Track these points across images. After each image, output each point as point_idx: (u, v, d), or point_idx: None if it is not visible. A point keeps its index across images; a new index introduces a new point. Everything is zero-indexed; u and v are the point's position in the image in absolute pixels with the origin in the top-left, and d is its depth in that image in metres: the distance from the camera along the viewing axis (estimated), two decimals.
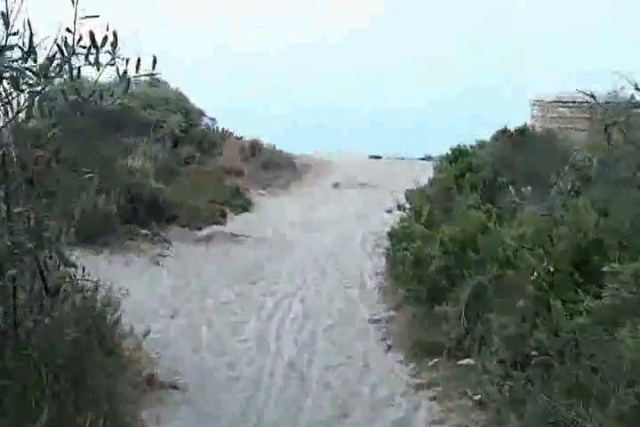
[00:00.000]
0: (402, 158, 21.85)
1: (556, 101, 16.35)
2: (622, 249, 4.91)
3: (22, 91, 3.61)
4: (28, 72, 3.57)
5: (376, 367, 6.21)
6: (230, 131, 18.75)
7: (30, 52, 3.57)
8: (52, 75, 3.61)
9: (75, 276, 5.43)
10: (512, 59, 32.88)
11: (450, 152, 10.45)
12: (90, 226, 9.11)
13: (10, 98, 3.71)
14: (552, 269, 5.18)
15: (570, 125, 15.40)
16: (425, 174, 12.43)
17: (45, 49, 3.64)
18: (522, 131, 10.28)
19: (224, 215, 12.22)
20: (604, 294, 4.53)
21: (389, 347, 6.66)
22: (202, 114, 17.67)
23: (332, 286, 8.87)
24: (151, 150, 13.77)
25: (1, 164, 3.78)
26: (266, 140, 18.11)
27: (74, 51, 3.64)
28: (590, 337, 4.43)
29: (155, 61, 4.00)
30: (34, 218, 3.87)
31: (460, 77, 33.50)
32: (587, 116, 16.20)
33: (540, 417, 4.35)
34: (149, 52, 4.00)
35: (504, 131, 12.44)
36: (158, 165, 13.23)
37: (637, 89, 6.02)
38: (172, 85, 17.36)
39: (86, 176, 4.81)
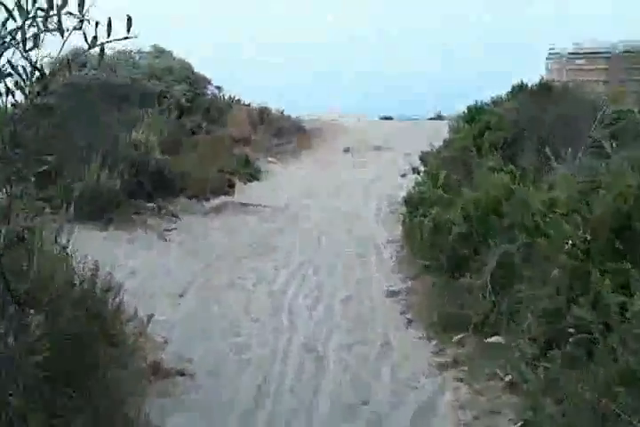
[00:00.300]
0: (415, 119, 21.19)
1: (573, 53, 15.63)
2: None
3: None
4: None
5: (396, 345, 5.70)
6: (238, 98, 18.10)
7: None
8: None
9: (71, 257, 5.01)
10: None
11: (466, 111, 9.78)
12: (93, 202, 8.66)
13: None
14: (589, 238, 4.61)
15: (588, 78, 14.65)
16: (439, 135, 11.82)
17: None
18: (545, 84, 9.57)
19: (232, 185, 11.69)
20: None
21: (410, 321, 6.15)
22: (208, 82, 17.01)
23: (347, 255, 8.35)
24: (156, 122, 13.21)
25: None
26: (274, 106, 17.43)
27: (28, 14, 3.04)
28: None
29: (129, 23, 3.29)
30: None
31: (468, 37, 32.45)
32: (605, 66, 15.51)
33: (581, 405, 3.84)
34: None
35: (521, 86, 11.76)
36: (164, 137, 12.68)
37: None
38: (177, 55, 16.69)
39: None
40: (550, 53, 15.95)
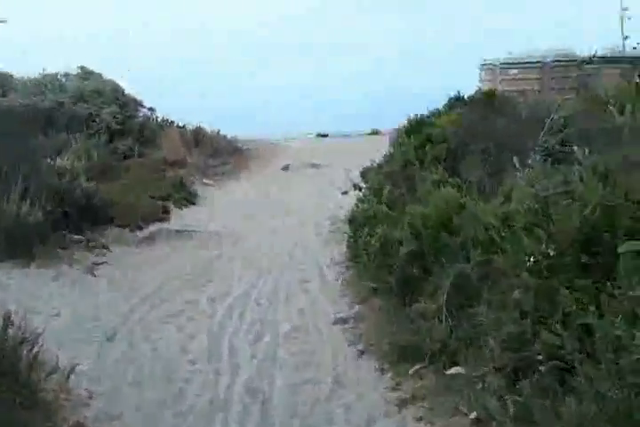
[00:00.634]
0: (348, 135, 20.87)
1: (505, 63, 15.45)
2: (637, 222, 3.89)
3: None
4: None
5: (348, 381, 5.12)
6: (171, 120, 17.43)
7: None
8: None
9: None
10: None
11: (406, 124, 9.34)
12: (12, 237, 7.89)
13: None
14: (552, 253, 4.12)
15: (521, 87, 14.47)
16: (378, 149, 11.36)
17: None
18: (490, 94, 9.20)
19: (167, 211, 11.02)
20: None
21: (361, 353, 5.58)
22: (139, 104, 16.29)
23: (289, 280, 7.78)
24: (85, 147, 12.47)
25: None
26: (209, 127, 16.81)
27: None
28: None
29: None
30: None
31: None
32: (537, 76, 15.38)
33: None
34: None
35: (458, 98, 11.44)
36: (92, 162, 11.95)
37: None
38: (106, 76, 15.94)
39: None
40: (483, 64, 15.76)
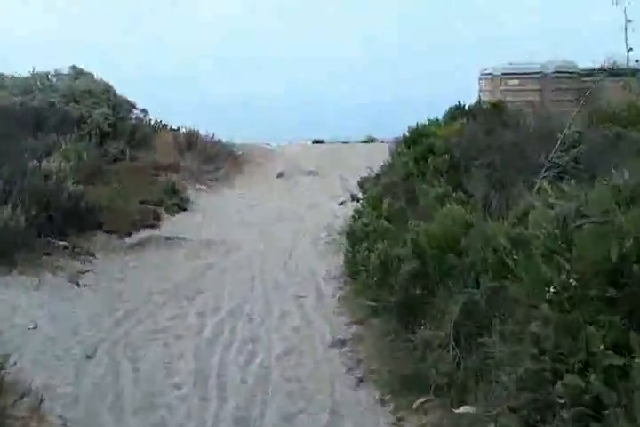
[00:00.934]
0: (346, 142, 20.43)
1: (506, 73, 15.04)
2: None
3: None
4: None
5: (346, 412, 4.71)
6: (164, 123, 16.97)
7: None
8: None
9: None
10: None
11: (407, 133, 8.94)
12: None
13: None
14: (574, 283, 3.73)
15: (521, 98, 14.09)
16: (374, 158, 10.97)
17: None
18: (496, 104, 8.81)
19: (158, 217, 10.57)
20: None
21: (360, 380, 5.17)
22: (132, 106, 15.82)
23: (284, 296, 7.35)
24: (74, 149, 12.01)
25: None
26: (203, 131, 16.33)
27: None
28: None
29: None
30: None
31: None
32: (538, 87, 15.00)
33: None
34: None
35: (458, 107, 11.05)
36: (82, 165, 11.49)
37: None
38: (98, 76, 15.46)
39: None
40: (483, 74, 15.36)
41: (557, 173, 5.58)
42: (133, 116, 15.62)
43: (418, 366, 4.80)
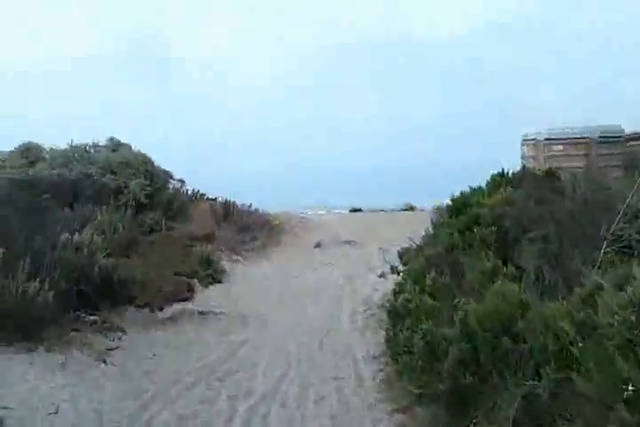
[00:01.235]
0: (384, 210, 20.10)
1: (549, 139, 14.65)
2: None
3: None
4: None
5: None
6: (201, 192, 16.87)
7: None
8: None
9: None
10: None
11: (450, 201, 8.52)
12: (16, 320, 7.11)
13: None
14: None
15: (566, 164, 13.62)
16: (413, 227, 10.55)
17: None
18: (548, 171, 8.38)
19: (192, 289, 10.21)
20: None
21: None
22: (169, 176, 15.74)
23: (320, 377, 6.83)
24: (109, 220, 11.83)
25: None
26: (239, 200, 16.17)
27: None
28: None
29: None
30: None
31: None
32: (584, 152, 14.54)
33: None
34: None
35: (502, 174, 10.64)
36: (116, 236, 11.28)
37: None
38: (135, 148, 15.46)
39: None
40: (525, 140, 14.98)
41: (621, 247, 5.10)
42: (170, 187, 15.52)
43: None
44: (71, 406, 5.86)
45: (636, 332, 3.40)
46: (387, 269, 10.59)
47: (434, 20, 35.45)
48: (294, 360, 7.40)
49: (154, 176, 14.64)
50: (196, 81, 33.80)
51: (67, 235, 9.16)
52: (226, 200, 15.94)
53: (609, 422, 3.38)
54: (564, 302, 4.50)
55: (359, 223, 16.32)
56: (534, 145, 14.88)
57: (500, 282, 5.36)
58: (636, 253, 4.83)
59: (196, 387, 6.54)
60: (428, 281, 6.96)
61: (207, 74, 34.89)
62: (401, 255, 9.50)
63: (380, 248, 11.81)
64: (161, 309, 9.22)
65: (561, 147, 14.46)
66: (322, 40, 34.07)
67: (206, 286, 10.74)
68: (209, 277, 11.08)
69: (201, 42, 36.64)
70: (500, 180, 10.23)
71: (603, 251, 5.08)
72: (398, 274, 8.83)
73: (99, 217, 11.98)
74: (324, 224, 15.90)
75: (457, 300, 6.08)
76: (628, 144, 14.44)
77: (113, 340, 7.88)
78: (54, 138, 15.22)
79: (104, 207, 12.60)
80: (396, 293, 7.74)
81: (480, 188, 10.00)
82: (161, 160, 15.18)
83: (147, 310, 9.07)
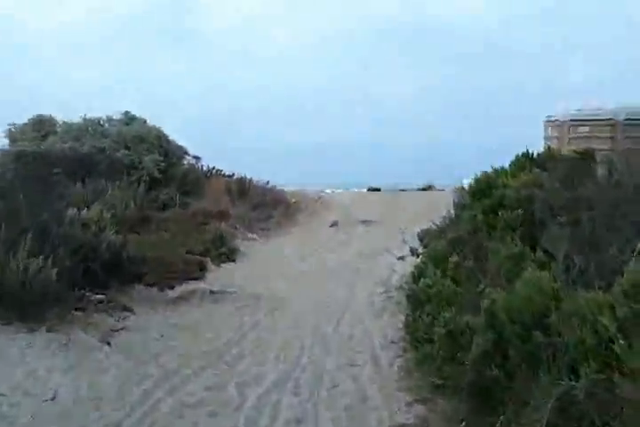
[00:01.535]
0: (403, 190, 19.63)
1: (574, 120, 14.08)
2: None
3: None
4: None
5: None
6: (217, 169, 16.48)
7: None
8: None
9: None
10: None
11: (473, 183, 8.05)
12: (17, 298, 6.80)
13: None
14: None
15: (592, 146, 13.03)
16: (433, 207, 10.13)
17: None
18: (585, 153, 7.89)
19: (204, 268, 9.86)
20: None
21: None
22: (184, 152, 15.35)
23: (336, 363, 6.46)
24: (121, 195, 11.51)
25: None
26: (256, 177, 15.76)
27: None
28: None
29: None
30: None
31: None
32: (610, 134, 13.97)
33: None
34: None
35: (527, 156, 10.14)
36: (127, 212, 10.95)
37: None
38: (150, 122, 15.05)
39: None
40: (549, 121, 14.39)
41: None
42: (185, 163, 15.15)
43: None
44: (69, 392, 5.53)
45: None
46: (406, 250, 10.19)
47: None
48: (308, 344, 7.03)
49: (168, 151, 14.29)
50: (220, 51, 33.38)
51: (75, 210, 8.83)
52: (242, 177, 15.55)
53: None
54: (603, 294, 4.07)
55: (377, 203, 15.89)
56: (559, 126, 14.32)
57: (530, 269, 4.93)
58: None
59: (203, 372, 6.19)
60: (451, 265, 6.56)
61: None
62: (421, 237, 9.07)
63: (399, 228, 11.37)
64: (171, 288, 8.89)
65: (587, 128, 13.90)
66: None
67: (219, 265, 10.39)
68: (222, 255, 10.73)
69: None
70: (524, 161, 9.74)
71: None
72: (418, 256, 8.42)
73: (109, 192, 11.68)
74: (341, 203, 15.48)
75: (481, 286, 5.69)
76: None
77: (119, 320, 7.56)
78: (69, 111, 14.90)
79: (117, 183, 12.30)
80: (415, 276, 7.34)
81: (504, 169, 9.53)
82: (179, 136, 14.84)
83: (156, 289, 8.74)
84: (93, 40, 31.37)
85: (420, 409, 5.25)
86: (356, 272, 10.00)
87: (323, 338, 7.26)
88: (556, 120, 14.51)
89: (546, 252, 5.99)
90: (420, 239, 8.98)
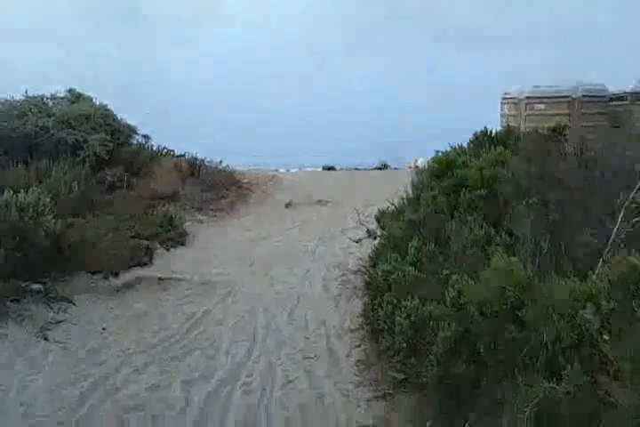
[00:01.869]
0: (357, 168, 19.22)
1: (531, 97, 13.75)
2: None
3: None
4: None
5: None
6: (168, 149, 15.74)
7: None
8: None
9: None
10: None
11: (432, 162, 7.62)
12: None
13: None
14: None
15: (549, 124, 12.73)
16: (389, 187, 9.67)
17: None
18: (557, 128, 7.49)
19: (150, 253, 9.26)
20: None
21: None
22: (133, 131, 14.56)
23: (289, 356, 6.00)
24: (64, 177, 10.77)
25: None
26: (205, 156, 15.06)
27: None
28: None
29: None
30: None
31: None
32: (567, 112, 13.69)
33: None
34: None
35: (485, 133, 9.76)
36: (71, 196, 10.24)
37: None
38: (97, 101, 14.21)
39: None
40: (505, 98, 14.05)
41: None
42: (134, 142, 14.39)
43: None
44: (3, 389, 4.97)
45: None
46: (362, 232, 9.76)
47: None
48: (260, 335, 6.56)
49: (115, 131, 13.51)
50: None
51: (11, 193, 8.13)
52: (192, 157, 14.86)
53: None
54: (581, 282, 3.66)
55: (332, 182, 15.38)
56: (515, 104, 13.99)
57: (497, 255, 4.51)
58: None
59: (145, 370, 5.67)
60: (411, 249, 6.13)
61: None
62: (378, 218, 8.63)
63: (355, 209, 10.91)
64: (116, 275, 8.28)
65: (542, 106, 13.60)
66: None
67: (168, 250, 9.78)
68: (171, 239, 10.11)
69: None
70: (482, 139, 9.34)
71: (619, 220, 4.24)
72: (375, 238, 8.00)
73: (53, 174, 10.94)
74: (295, 183, 14.94)
75: (445, 272, 5.27)
76: (612, 104, 13.64)
77: (57, 312, 6.96)
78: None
79: (60, 164, 11.54)
80: (373, 260, 6.91)
81: (461, 147, 9.12)
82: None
83: (99, 277, 8.12)
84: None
85: (380, 407, 4.83)
86: (311, 255, 9.50)
87: (276, 328, 6.78)
88: (512, 97, 14.21)
89: (511, 235, 5.61)
90: (378, 220, 8.54)
